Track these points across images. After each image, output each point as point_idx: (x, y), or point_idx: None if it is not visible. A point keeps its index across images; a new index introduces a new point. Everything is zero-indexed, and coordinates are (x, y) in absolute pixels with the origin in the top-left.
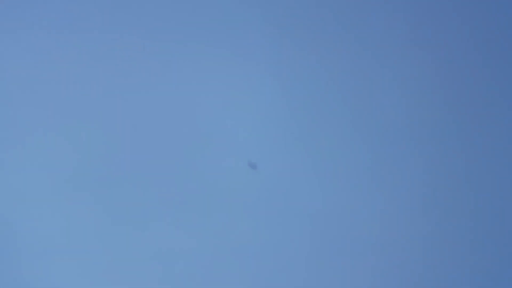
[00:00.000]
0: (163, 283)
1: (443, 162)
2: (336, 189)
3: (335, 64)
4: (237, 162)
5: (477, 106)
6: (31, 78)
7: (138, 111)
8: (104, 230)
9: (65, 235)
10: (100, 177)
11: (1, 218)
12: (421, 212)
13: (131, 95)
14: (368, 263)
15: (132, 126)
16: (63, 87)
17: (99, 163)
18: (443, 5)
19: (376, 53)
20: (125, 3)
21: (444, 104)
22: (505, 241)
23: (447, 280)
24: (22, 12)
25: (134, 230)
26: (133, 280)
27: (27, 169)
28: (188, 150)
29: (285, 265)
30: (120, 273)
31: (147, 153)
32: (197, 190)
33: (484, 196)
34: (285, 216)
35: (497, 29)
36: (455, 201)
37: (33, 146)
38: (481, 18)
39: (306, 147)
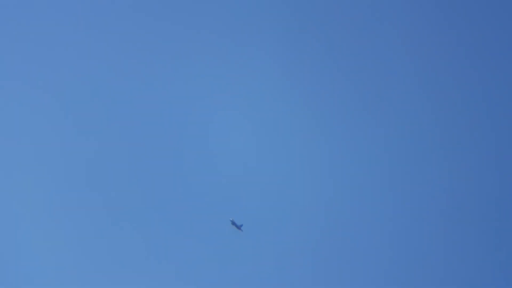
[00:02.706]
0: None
1: (445, 165)
2: (338, 189)
3: (338, 66)
4: (237, 163)
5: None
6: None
7: (137, 113)
8: (101, 229)
9: (64, 235)
10: (96, 178)
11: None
12: (421, 213)
13: (131, 97)
14: (368, 262)
15: (131, 128)
16: (60, 89)
17: (95, 164)
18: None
19: (381, 56)
20: (127, 3)
21: (446, 109)
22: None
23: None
24: (22, 12)
25: (132, 230)
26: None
27: (24, 169)
28: (188, 151)
29: (288, 263)
30: (117, 272)
31: (147, 154)
32: (198, 190)
33: (485, 197)
34: (285, 216)
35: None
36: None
37: (30, 147)
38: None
39: (309, 148)
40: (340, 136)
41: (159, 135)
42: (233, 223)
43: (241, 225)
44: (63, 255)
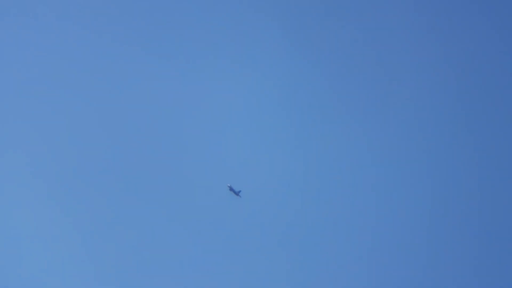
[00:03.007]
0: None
1: (448, 162)
2: (341, 188)
3: (339, 65)
4: (238, 163)
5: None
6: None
7: (138, 113)
8: (98, 230)
9: (61, 236)
10: (95, 178)
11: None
12: (425, 212)
13: (131, 96)
14: (372, 262)
15: (130, 128)
16: (60, 88)
17: (95, 164)
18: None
19: (382, 54)
20: (129, 3)
21: (451, 107)
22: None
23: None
24: (22, 12)
25: (130, 230)
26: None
27: (22, 169)
28: (189, 151)
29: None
30: (115, 272)
31: (148, 154)
32: (197, 190)
33: (487, 197)
34: (286, 217)
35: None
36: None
37: (29, 145)
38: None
39: (310, 149)
40: (340, 135)
41: (157, 134)
42: (231, 189)
43: (239, 191)
44: (62, 254)
